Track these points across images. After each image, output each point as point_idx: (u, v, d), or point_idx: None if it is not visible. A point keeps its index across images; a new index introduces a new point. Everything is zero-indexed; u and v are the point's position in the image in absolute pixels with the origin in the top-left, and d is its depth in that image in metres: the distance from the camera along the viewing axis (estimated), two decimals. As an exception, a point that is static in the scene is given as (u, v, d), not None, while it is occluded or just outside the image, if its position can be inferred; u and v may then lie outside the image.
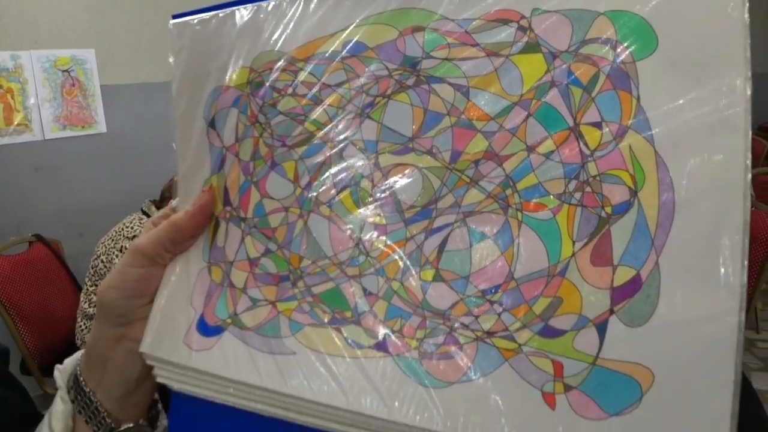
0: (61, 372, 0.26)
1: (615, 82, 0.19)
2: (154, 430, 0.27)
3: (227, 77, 0.25)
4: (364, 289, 0.22)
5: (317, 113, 0.24)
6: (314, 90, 0.24)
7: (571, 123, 0.20)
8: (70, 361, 0.27)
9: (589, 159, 0.19)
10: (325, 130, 0.24)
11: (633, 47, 0.19)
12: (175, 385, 0.24)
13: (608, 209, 0.19)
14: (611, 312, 0.19)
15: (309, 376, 0.21)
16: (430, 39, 0.22)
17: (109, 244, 1.27)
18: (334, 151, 0.23)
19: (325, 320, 0.22)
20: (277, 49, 0.24)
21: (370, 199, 0.23)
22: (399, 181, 0.22)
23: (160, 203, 1.37)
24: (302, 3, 0.24)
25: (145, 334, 0.24)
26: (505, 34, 0.21)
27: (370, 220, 0.22)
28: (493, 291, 0.20)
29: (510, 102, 0.21)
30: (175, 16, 0.27)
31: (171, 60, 0.26)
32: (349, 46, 0.23)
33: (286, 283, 0.23)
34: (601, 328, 0.19)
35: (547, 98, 0.20)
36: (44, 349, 1.32)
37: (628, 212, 0.19)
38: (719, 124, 0.18)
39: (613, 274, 0.19)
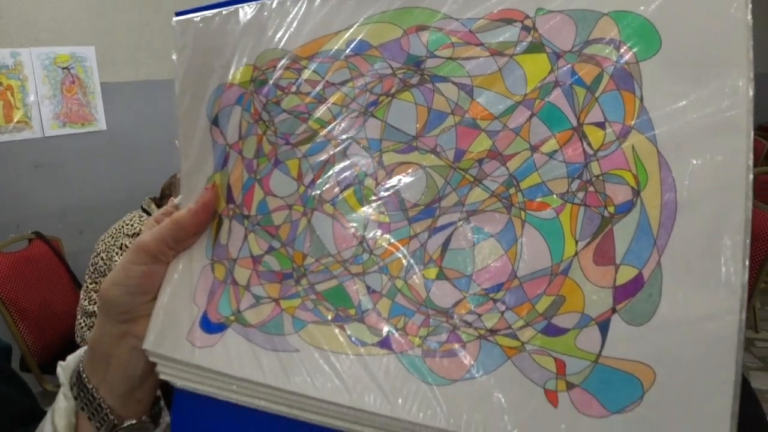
0: (64, 369, 0.26)
1: (618, 82, 0.19)
2: (156, 427, 0.27)
3: (230, 75, 0.25)
4: (368, 287, 0.22)
5: (321, 111, 0.24)
6: (318, 88, 0.24)
7: (574, 123, 0.20)
8: (72, 358, 0.27)
9: (593, 159, 0.19)
10: (329, 128, 0.24)
11: (636, 48, 0.19)
12: (178, 382, 0.24)
13: (611, 209, 0.19)
14: (613, 311, 0.19)
15: (312, 373, 0.22)
16: (434, 38, 0.22)
17: (109, 242, 1.27)
18: (337, 149, 0.24)
19: (329, 318, 0.22)
20: (280, 47, 0.24)
21: (374, 198, 0.23)
22: (403, 179, 0.22)
23: (160, 201, 1.37)
24: (306, 1, 0.24)
25: (148, 331, 0.24)
26: (509, 33, 0.21)
27: (374, 218, 0.23)
28: (496, 289, 0.20)
29: (514, 101, 0.21)
30: (178, 14, 0.27)
31: (174, 57, 0.26)
32: (353, 45, 0.23)
33: (289, 281, 0.23)
34: (604, 327, 0.19)
35: (551, 98, 0.20)
36: (44, 346, 1.32)
37: (630, 212, 0.19)
38: (721, 124, 0.18)
39: (615, 273, 0.19)
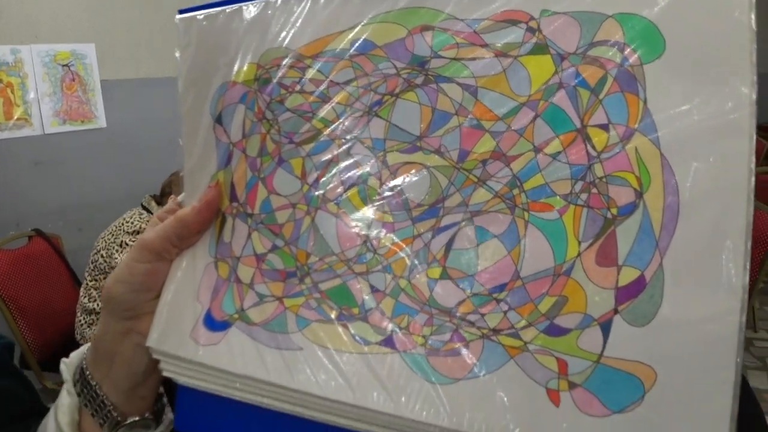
0: (68, 365, 0.26)
1: (622, 84, 0.19)
2: (159, 424, 0.27)
3: (234, 73, 0.25)
4: (372, 286, 0.22)
5: (325, 111, 0.24)
6: (322, 87, 0.24)
7: (578, 124, 0.20)
8: (76, 355, 0.27)
9: (596, 160, 0.20)
10: (333, 127, 0.24)
11: (640, 50, 0.19)
12: (182, 379, 0.24)
13: (614, 210, 0.19)
14: (615, 311, 0.19)
15: (316, 371, 0.22)
16: (439, 38, 0.22)
17: (109, 239, 1.27)
18: (341, 148, 0.24)
19: (332, 316, 0.23)
20: (284, 45, 0.24)
21: (378, 197, 0.23)
22: (407, 179, 0.22)
23: (160, 198, 1.38)
24: (310, 0, 0.24)
25: (151, 328, 0.24)
26: (514, 35, 0.21)
27: (378, 217, 0.23)
28: (499, 289, 0.20)
29: (518, 103, 0.21)
30: (181, 11, 0.27)
31: (177, 55, 0.26)
32: (357, 44, 0.23)
33: (293, 279, 0.24)
34: (606, 327, 0.19)
35: (555, 99, 0.20)
36: (43, 343, 1.32)
37: (633, 214, 0.19)
38: (724, 127, 0.18)
39: (617, 274, 0.19)
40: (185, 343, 0.24)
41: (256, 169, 0.25)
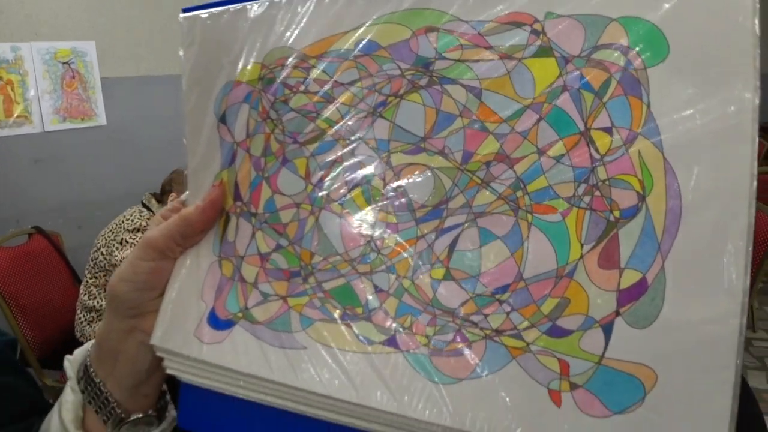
0: (71, 362, 0.26)
1: (626, 88, 0.20)
2: (162, 421, 0.27)
3: (238, 72, 0.25)
4: (375, 286, 0.22)
5: (329, 111, 0.24)
6: (326, 87, 0.24)
7: (581, 127, 0.20)
8: (80, 352, 0.27)
9: (599, 163, 0.20)
10: (337, 127, 0.24)
11: (645, 54, 0.19)
12: (185, 377, 0.24)
13: (616, 213, 0.19)
14: (617, 314, 0.19)
15: (320, 370, 0.22)
16: (444, 40, 0.22)
17: (109, 237, 1.27)
18: (345, 149, 0.24)
19: (336, 316, 0.23)
20: (289, 45, 0.24)
21: (382, 198, 0.23)
22: (410, 180, 0.23)
23: (160, 196, 1.38)
24: (315, 1, 0.24)
25: (155, 326, 0.24)
26: (519, 37, 0.21)
27: (382, 218, 0.23)
28: (502, 290, 0.21)
29: (522, 105, 0.21)
30: (185, 10, 0.27)
31: (181, 54, 0.26)
32: (361, 45, 0.23)
33: (297, 279, 0.24)
34: (607, 329, 0.19)
35: (559, 102, 0.20)
36: (43, 341, 1.32)
37: (635, 217, 0.19)
38: (727, 132, 0.18)
39: (619, 276, 0.19)
40: (189, 342, 0.24)
41: (260, 169, 0.25)
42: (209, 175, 0.26)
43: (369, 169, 0.23)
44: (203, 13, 0.26)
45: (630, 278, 0.19)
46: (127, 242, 1.24)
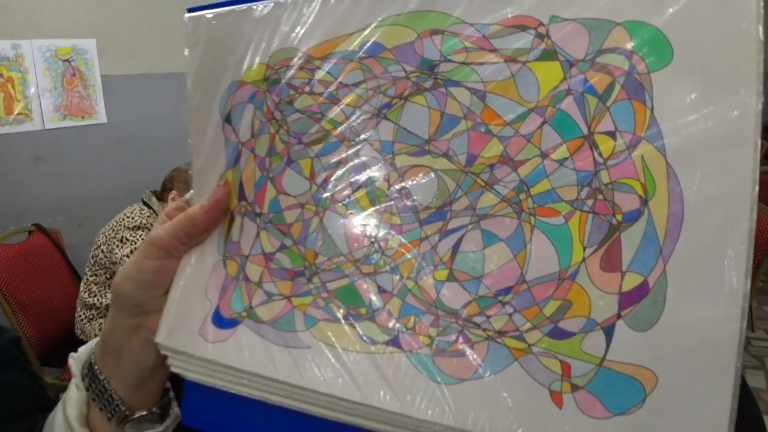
0: (76, 360, 0.27)
1: (630, 92, 0.20)
2: (166, 418, 0.27)
3: (243, 73, 0.26)
4: (379, 287, 0.22)
5: (334, 112, 0.24)
6: (331, 89, 0.24)
7: (585, 131, 0.20)
8: (84, 350, 0.27)
9: (602, 167, 0.20)
10: (342, 129, 0.24)
11: (649, 58, 0.19)
12: (189, 375, 0.24)
13: (619, 217, 0.20)
14: (618, 316, 0.19)
15: (323, 369, 0.22)
16: (448, 42, 0.22)
17: (109, 234, 1.27)
18: (350, 150, 0.24)
19: (340, 316, 0.23)
20: (294, 46, 0.25)
21: (386, 199, 0.23)
22: (415, 182, 0.23)
23: (161, 194, 1.37)
24: (320, 2, 0.24)
25: (160, 324, 0.24)
26: (523, 40, 0.21)
27: (386, 219, 0.23)
28: (504, 292, 0.21)
29: (526, 108, 0.21)
30: (190, 10, 0.27)
31: (186, 54, 0.27)
32: (366, 47, 0.23)
33: (301, 279, 0.24)
34: (609, 332, 0.19)
35: (563, 106, 0.21)
36: (43, 338, 1.32)
37: (638, 221, 0.19)
38: (730, 137, 0.18)
39: (621, 279, 0.19)
40: (194, 340, 0.24)
41: (265, 169, 0.25)
42: (214, 175, 0.26)
43: (373, 171, 0.23)
44: (208, 13, 0.26)
45: (632, 281, 0.19)
46: (127, 240, 1.24)
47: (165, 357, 0.25)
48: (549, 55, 0.21)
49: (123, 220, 1.28)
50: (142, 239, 1.29)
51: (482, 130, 0.22)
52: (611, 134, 0.20)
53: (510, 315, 0.21)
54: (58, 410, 0.26)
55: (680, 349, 0.18)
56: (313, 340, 0.23)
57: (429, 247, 0.22)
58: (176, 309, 0.25)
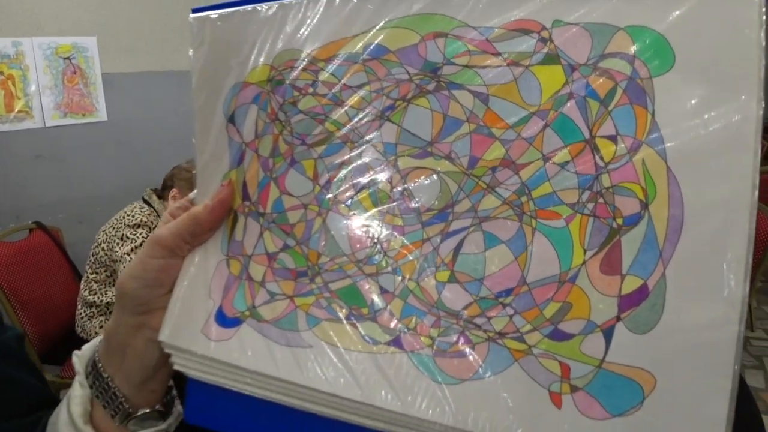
0: (80, 357, 0.27)
1: (631, 96, 0.20)
2: (169, 416, 0.27)
3: (247, 73, 0.26)
4: (381, 287, 0.23)
5: (337, 114, 0.24)
6: (335, 90, 0.24)
7: (587, 135, 0.20)
8: (88, 347, 0.27)
9: (603, 171, 0.20)
10: (345, 130, 0.24)
11: (650, 63, 0.20)
12: (192, 373, 0.24)
13: (619, 220, 0.20)
14: (618, 319, 0.19)
15: (325, 368, 0.22)
16: (452, 45, 0.22)
17: (110, 232, 1.27)
18: (353, 151, 0.24)
19: (342, 316, 0.23)
20: (298, 47, 0.25)
21: (389, 201, 0.23)
22: (417, 184, 0.23)
23: (161, 192, 1.37)
24: (324, 4, 0.24)
25: (163, 323, 0.25)
26: (526, 44, 0.21)
27: (388, 220, 0.23)
28: (505, 294, 0.21)
29: (528, 112, 0.21)
30: (194, 10, 0.27)
31: (190, 54, 0.27)
32: (370, 49, 0.24)
33: (303, 279, 0.24)
34: (608, 334, 0.20)
35: (565, 110, 0.21)
36: (44, 336, 1.32)
37: (638, 224, 0.19)
38: (730, 142, 0.18)
39: (621, 282, 0.20)
40: (197, 339, 0.24)
41: (269, 169, 0.25)
42: (218, 175, 0.26)
43: (376, 172, 0.24)
44: (213, 14, 0.26)
45: (631, 284, 0.19)
46: (127, 238, 1.24)
47: (168, 355, 0.25)
48: (552, 59, 0.21)
49: (123, 217, 1.28)
50: (143, 237, 1.29)
51: (485, 133, 0.22)
52: (612, 138, 0.20)
53: (510, 316, 0.21)
54: (62, 407, 0.26)
55: (679, 352, 0.19)
56: (316, 339, 0.23)
57: (431, 248, 0.22)
58: (180, 308, 0.25)
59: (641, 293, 0.19)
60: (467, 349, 0.21)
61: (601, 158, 0.20)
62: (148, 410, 0.26)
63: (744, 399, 0.21)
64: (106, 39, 1.99)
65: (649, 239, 0.19)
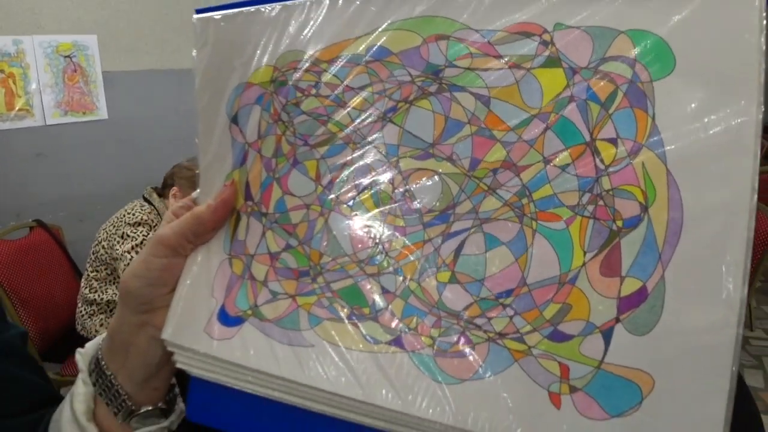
0: (83, 355, 0.27)
1: (632, 100, 0.20)
2: (171, 413, 0.27)
3: (251, 74, 0.26)
4: (382, 288, 0.23)
5: (340, 115, 0.24)
6: (337, 91, 0.24)
7: (587, 138, 0.21)
8: (91, 345, 0.27)
9: (603, 173, 0.20)
10: (347, 131, 0.24)
11: (651, 67, 0.20)
12: (195, 371, 0.25)
13: (619, 223, 0.20)
14: (617, 320, 0.20)
15: (327, 367, 0.22)
16: (454, 48, 0.22)
17: (110, 230, 1.27)
18: (355, 152, 0.24)
19: (344, 315, 0.23)
20: (301, 49, 0.25)
21: (390, 201, 0.23)
22: (419, 185, 0.23)
23: (162, 190, 1.38)
24: (327, 5, 0.24)
25: (166, 321, 0.25)
26: (528, 47, 0.21)
27: (390, 221, 0.23)
28: (505, 295, 0.21)
29: (529, 114, 0.21)
30: (198, 11, 0.27)
31: (194, 54, 0.27)
32: (372, 51, 0.24)
33: (305, 278, 0.24)
34: (607, 335, 0.20)
35: (566, 112, 0.21)
36: (44, 333, 1.33)
37: (638, 227, 0.20)
38: (730, 145, 0.19)
39: (620, 284, 0.20)
40: (199, 337, 0.24)
41: (271, 170, 0.26)
42: (221, 175, 0.27)
43: (378, 173, 0.24)
44: (217, 15, 0.26)
45: (630, 286, 0.20)
46: (128, 236, 1.24)
47: (171, 353, 0.25)
48: (553, 62, 0.21)
49: (124, 216, 1.28)
50: (143, 235, 1.29)
51: (486, 135, 0.22)
52: (613, 141, 0.20)
53: (511, 317, 0.21)
54: (65, 405, 0.26)
55: (677, 354, 0.19)
56: (317, 338, 0.23)
57: (432, 249, 0.22)
58: (183, 306, 0.25)
59: (640, 295, 0.19)
60: (467, 350, 0.21)
61: (602, 161, 0.20)
62: (150, 408, 0.26)
63: (743, 399, 0.21)
64: (107, 37, 1.99)
65: (648, 242, 0.19)
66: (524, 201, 0.21)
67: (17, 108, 1.84)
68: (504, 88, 0.22)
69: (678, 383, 0.19)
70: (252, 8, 0.26)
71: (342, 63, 0.24)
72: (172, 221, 0.26)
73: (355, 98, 0.24)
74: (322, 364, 0.22)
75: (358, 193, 0.24)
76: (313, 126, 0.25)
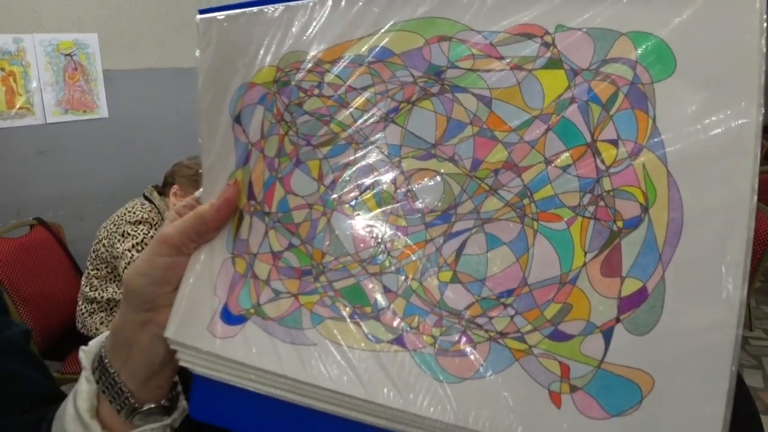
0: (86, 353, 0.27)
1: (633, 101, 0.20)
2: (173, 411, 0.27)
3: (254, 74, 0.26)
4: (384, 287, 0.23)
5: (343, 115, 0.25)
6: (340, 92, 0.24)
7: (588, 139, 0.21)
8: (95, 343, 0.28)
9: (604, 174, 0.20)
10: (350, 131, 0.24)
11: (652, 69, 0.20)
12: (197, 369, 0.25)
13: (620, 223, 0.20)
14: (617, 320, 0.20)
15: (329, 366, 0.22)
16: (456, 49, 0.23)
17: (111, 229, 1.28)
18: (358, 153, 0.24)
19: (346, 314, 0.23)
20: (304, 49, 0.25)
21: (393, 201, 0.24)
22: (421, 185, 0.23)
23: (162, 189, 1.38)
24: (330, 6, 0.25)
25: (169, 320, 0.25)
26: (529, 49, 0.22)
27: (392, 221, 0.23)
28: (506, 295, 0.21)
29: (531, 115, 0.22)
30: (201, 11, 0.27)
31: (197, 54, 0.27)
32: (375, 51, 0.24)
33: (308, 277, 0.24)
34: (607, 335, 0.20)
35: (567, 114, 0.21)
36: (45, 331, 1.33)
37: (638, 227, 0.20)
38: (730, 147, 0.19)
39: (621, 284, 0.20)
40: (202, 335, 0.25)
41: (274, 169, 0.26)
42: (224, 174, 0.27)
43: (380, 173, 0.24)
44: (220, 15, 0.27)
45: (631, 286, 0.20)
46: (128, 234, 1.25)
47: (174, 351, 0.25)
48: (554, 63, 0.21)
49: (124, 214, 1.28)
50: (143, 233, 1.29)
51: (488, 135, 0.22)
52: (614, 142, 0.20)
53: (512, 317, 0.21)
54: (68, 402, 0.26)
55: (677, 354, 0.19)
56: (319, 337, 0.23)
57: (434, 249, 0.23)
58: (185, 305, 0.25)
59: (640, 295, 0.20)
60: (469, 349, 0.21)
61: (603, 162, 0.20)
62: (153, 405, 0.26)
63: (742, 399, 0.21)
64: (108, 36, 1.99)
65: (648, 242, 0.20)
66: (525, 201, 0.21)
67: (18, 106, 1.84)
68: (506, 89, 0.22)
69: (678, 383, 0.19)
70: (255, 9, 0.26)
71: (345, 63, 0.24)
72: (176, 220, 0.26)
73: (357, 99, 0.24)
74: (325, 362, 0.23)
75: (361, 193, 0.24)
76: (316, 126, 0.25)
